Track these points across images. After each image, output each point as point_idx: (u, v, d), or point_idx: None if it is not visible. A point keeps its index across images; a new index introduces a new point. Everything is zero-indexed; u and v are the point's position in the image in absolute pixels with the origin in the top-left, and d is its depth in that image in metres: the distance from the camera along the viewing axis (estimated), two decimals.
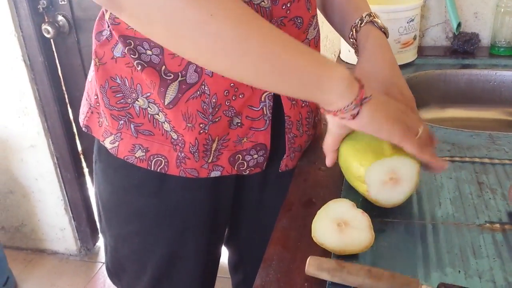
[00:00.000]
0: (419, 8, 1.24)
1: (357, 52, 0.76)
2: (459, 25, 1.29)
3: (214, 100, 0.68)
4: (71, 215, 2.08)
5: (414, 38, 1.24)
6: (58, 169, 1.98)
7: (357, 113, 0.57)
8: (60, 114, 1.88)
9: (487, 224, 0.66)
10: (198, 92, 0.67)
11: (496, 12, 1.27)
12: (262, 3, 0.64)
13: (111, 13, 0.66)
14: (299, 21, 0.70)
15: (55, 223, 2.09)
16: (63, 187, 2.02)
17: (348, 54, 1.32)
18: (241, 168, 0.74)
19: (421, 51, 1.34)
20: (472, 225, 0.66)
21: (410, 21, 1.20)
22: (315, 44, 0.77)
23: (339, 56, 1.39)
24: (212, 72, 0.66)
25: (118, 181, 0.76)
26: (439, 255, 0.60)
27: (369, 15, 0.74)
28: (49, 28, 1.71)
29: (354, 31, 0.75)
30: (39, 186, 2.01)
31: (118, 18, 0.65)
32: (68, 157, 1.95)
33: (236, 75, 0.56)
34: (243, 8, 0.52)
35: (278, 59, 0.53)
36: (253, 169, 0.75)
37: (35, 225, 2.11)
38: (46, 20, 1.74)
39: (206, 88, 0.67)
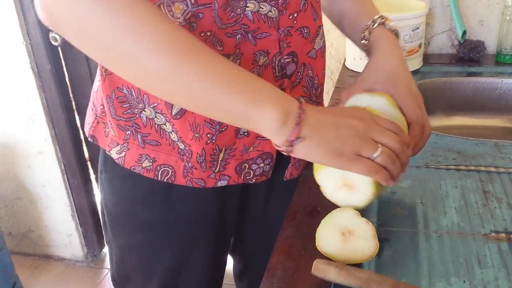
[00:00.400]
0: (424, 16, 1.24)
1: (368, 53, 0.77)
2: (464, 33, 1.29)
3: None
4: (78, 221, 2.08)
5: (420, 46, 1.24)
6: (65, 175, 1.99)
7: (291, 151, 0.56)
8: (68, 121, 1.89)
9: (493, 234, 0.65)
10: None
11: (502, 19, 1.27)
12: (270, 13, 0.64)
13: None
14: (305, 31, 0.70)
15: (62, 229, 2.10)
16: (70, 194, 2.03)
17: (353, 62, 1.32)
18: (248, 177, 0.75)
19: (427, 59, 1.34)
20: (477, 235, 0.65)
21: (415, 29, 1.20)
22: (321, 54, 0.77)
23: (344, 64, 1.39)
24: None
25: (124, 192, 0.76)
26: (444, 264, 0.60)
27: (381, 17, 0.75)
28: (57, 36, 1.73)
29: (367, 32, 0.75)
30: (46, 192, 2.02)
31: None
32: (75, 163, 1.97)
33: (172, 102, 0.59)
34: (180, 41, 0.52)
35: (205, 97, 0.53)
36: (259, 177, 0.76)
37: (42, 231, 2.12)
38: None
39: None
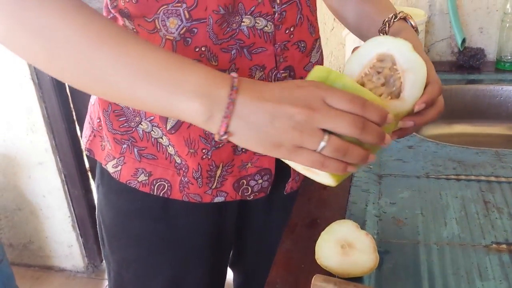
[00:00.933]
0: (423, 24, 1.24)
1: None
2: (463, 40, 1.29)
3: None
4: (78, 232, 2.08)
5: None
6: (65, 186, 1.99)
7: (228, 141, 0.51)
8: (68, 132, 1.89)
9: (494, 245, 0.65)
10: None
11: (501, 27, 1.27)
12: (265, 28, 0.64)
13: None
14: (302, 45, 0.70)
15: (63, 240, 2.09)
16: (70, 204, 2.02)
17: None
18: (246, 194, 0.74)
19: None
20: (478, 246, 0.65)
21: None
22: None
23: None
24: None
25: (121, 206, 0.75)
26: (445, 277, 0.60)
27: (401, 12, 0.72)
28: None
29: (387, 25, 0.71)
30: (47, 203, 2.02)
31: None
32: (76, 174, 1.96)
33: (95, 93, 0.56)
34: (99, 28, 0.49)
35: (123, 86, 0.50)
36: (257, 194, 0.74)
37: (43, 242, 2.11)
38: None
39: None
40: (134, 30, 0.63)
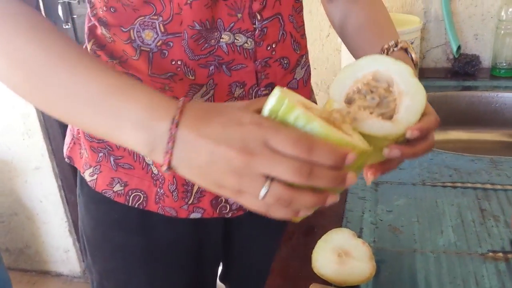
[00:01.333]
0: (418, 31, 1.25)
1: None
2: (459, 48, 1.30)
3: None
4: (75, 236, 2.07)
5: None
6: (62, 190, 1.98)
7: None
8: (64, 137, 1.89)
9: (490, 253, 0.65)
10: None
11: (496, 33, 1.28)
12: (246, 44, 0.62)
13: (93, 45, 0.65)
14: (285, 61, 0.67)
15: (59, 244, 2.08)
16: (67, 209, 2.02)
17: None
18: (224, 211, 0.71)
19: (422, 73, 1.35)
20: (474, 254, 0.65)
21: (410, 43, 1.21)
22: (304, 84, 0.73)
23: None
24: None
25: (100, 216, 0.73)
26: (441, 286, 0.60)
27: (403, 41, 0.67)
28: None
29: (385, 52, 0.67)
30: (43, 208, 2.01)
31: (99, 49, 0.64)
32: (72, 179, 1.96)
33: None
34: (47, 44, 0.49)
35: (65, 108, 0.49)
36: (235, 212, 0.72)
37: (39, 247, 2.11)
38: None
39: None
40: (111, 39, 0.63)
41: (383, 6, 0.78)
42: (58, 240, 2.07)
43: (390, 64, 0.54)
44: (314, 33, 1.46)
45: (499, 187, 0.80)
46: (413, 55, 0.66)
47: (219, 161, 0.43)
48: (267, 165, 0.42)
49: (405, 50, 0.66)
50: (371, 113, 0.52)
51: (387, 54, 0.66)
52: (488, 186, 0.80)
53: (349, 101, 0.54)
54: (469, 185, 0.81)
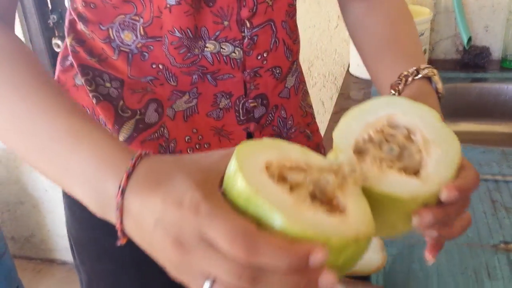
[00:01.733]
0: (428, 22, 1.24)
1: None
2: (469, 39, 1.29)
3: (173, 145, 0.62)
4: None
5: (424, 52, 1.24)
6: None
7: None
8: None
9: (502, 245, 0.65)
10: (156, 134, 0.61)
11: (507, 25, 1.27)
12: (233, 54, 0.58)
13: (72, 40, 0.62)
14: (277, 71, 0.63)
15: (65, 233, 2.06)
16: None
17: (357, 68, 1.32)
18: None
19: (432, 64, 1.31)
20: (486, 246, 0.65)
21: (419, 35, 1.20)
22: (295, 92, 0.69)
23: (348, 70, 1.39)
24: (174, 115, 0.61)
25: (85, 218, 0.70)
26: (453, 277, 0.60)
27: (428, 68, 0.55)
28: (59, 43, 1.73)
29: (403, 81, 0.55)
30: (49, 197, 2.02)
31: (78, 45, 0.62)
32: None
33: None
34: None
35: (26, 156, 0.46)
36: None
37: (45, 235, 2.12)
38: (56, 35, 1.76)
39: (165, 131, 0.61)
40: (89, 36, 0.61)
41: (408, 16, 0.67)
42: (63, 228, 2.06)
43: (408, 106, 0.45)
44: (322, 24, 1.45)
45: (510, 178, 0.79)
46: (439, 86, 0.55)
47: (156, 250, 0.38)
48: (203, 264, 0.34)
49: (429, 78, 0.55)
50: (390, 167, 0.41)
51: (405, 83, 0.55)
52: (499, 177, 0.80)
53: (359, 151, 0.43)
54: (480, 176, 0.80)
